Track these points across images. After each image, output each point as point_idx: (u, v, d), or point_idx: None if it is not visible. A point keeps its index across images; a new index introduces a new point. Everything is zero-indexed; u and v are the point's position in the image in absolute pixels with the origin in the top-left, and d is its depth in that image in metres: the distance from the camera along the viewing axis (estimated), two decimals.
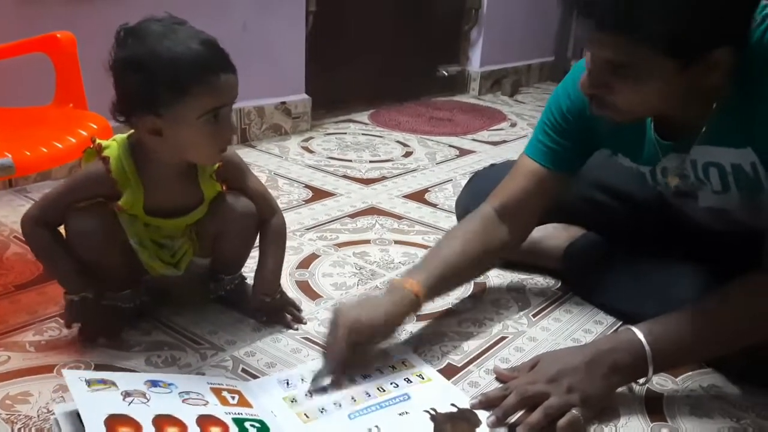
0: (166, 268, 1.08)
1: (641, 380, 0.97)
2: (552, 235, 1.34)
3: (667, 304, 1.01)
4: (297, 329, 1.13)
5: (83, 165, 1.03)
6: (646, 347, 0.94)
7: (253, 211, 1.11)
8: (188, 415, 0.82)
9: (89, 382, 0.82)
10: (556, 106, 1.12)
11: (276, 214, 1.14)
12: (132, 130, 1.00)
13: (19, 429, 0.86)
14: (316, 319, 1.16)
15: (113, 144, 1.02)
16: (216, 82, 0.93)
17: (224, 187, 1.09)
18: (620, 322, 1.19)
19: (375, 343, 1.03)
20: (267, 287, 1.13)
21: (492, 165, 1.57)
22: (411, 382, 1.00)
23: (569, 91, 1.09)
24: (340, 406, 0.94)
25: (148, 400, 0.83)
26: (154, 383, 0.87)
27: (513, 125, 2.68)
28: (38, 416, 0.89)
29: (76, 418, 0.81)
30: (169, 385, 0.88)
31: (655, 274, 1.18)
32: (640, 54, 0.84)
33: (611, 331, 1.17)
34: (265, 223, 1.13)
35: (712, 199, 1.03)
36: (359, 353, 1.00)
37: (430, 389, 0.99)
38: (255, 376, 1.00)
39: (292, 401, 0.94)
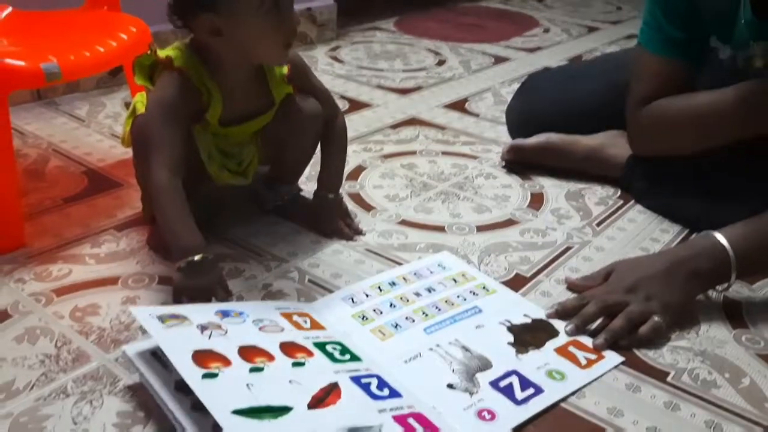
0: (234, 178, 1.03)
1: (720, 287, 0.95)
2: (612, 143, 1.29)
3: (736, 210, 0.97)
4: (356, 240, 1.10)
5: (137, 78, 0.95)
6: (730, 252, 0.91)
7: (320, 111, 1.06)
8: (270, 343, 0.78)
9: (162, 318, 0.77)
10: None
11: (339, 115, 1.10)
12: (191, 36, 0.93)
13: (94, 341, 0.84)
14: (374, 231, 1.13)
15: (177, 53, 0.93)
16: None
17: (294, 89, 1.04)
18: (687, 230, 1.16)
19: None
20: (331, 183, 1.10)
21: (546, 68, 1.50)
22: (476, 294, 0.97)
23: None
24: (413, 321, 0.91)
25: (226, 332, 0.78)
26: (225, 314, 0.82)
27: (546, 31, 2.56)
28: (111, 327, 0.87)
29: (150, 357, 0.76)
30: (241, 314, 0.83)
31: (723, 180, 1.14)
32: None
33: (679, 239, 1.14)
34: (329, 124, 1.09)
35: None
36: None
37: (498, 301, 0.96)
38: (322, 287, 0.97)
39: (362, 318, 0.91)
